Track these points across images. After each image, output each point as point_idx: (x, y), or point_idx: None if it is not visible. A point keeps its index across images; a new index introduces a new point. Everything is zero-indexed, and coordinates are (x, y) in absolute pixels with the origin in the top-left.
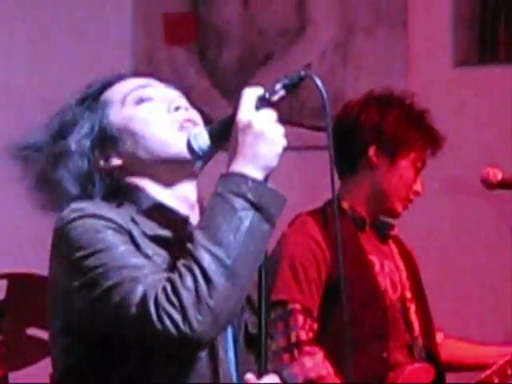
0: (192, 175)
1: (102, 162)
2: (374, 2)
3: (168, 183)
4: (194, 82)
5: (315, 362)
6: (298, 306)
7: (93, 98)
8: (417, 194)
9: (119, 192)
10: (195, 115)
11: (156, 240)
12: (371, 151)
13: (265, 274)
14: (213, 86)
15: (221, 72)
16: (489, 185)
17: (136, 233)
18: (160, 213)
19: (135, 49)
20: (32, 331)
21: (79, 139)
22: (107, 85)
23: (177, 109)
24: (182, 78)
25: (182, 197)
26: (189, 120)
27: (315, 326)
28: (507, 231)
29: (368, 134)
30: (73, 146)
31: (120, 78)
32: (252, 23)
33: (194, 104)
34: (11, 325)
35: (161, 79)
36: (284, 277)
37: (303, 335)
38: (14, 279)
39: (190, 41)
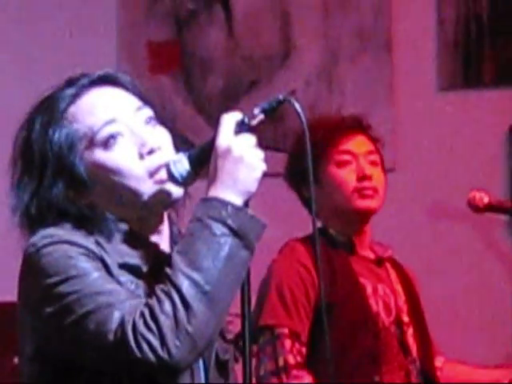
0: (162, 210)
1: (71, 195)
2: (358, 28)
3: (138, 220)
4: (179, 109)
5: None
6: (285, 331)
7: (57, 118)
8: (365, 178)
9: (86, 220)
10: (163, 135)
11: (126, 268)
12: (303, 189)
13: (247, 299)
14: (198, 113)
15: (205, 99)
16: (476, 209)
17: (107, 259)
18: (129, 241)
19: None
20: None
21: (49, 172)
22: (72, 99)
23: (149, 153)
24: (167, 105)
25: (150, 227)
26: (159, 168)
27: (303, 350)
28: (495, 255)
29: (297, 175)
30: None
31: (82, 87)
32: (236, 50)
33: (164, 117)
34: None
35: (122, 82)
36: (272, 302)
37: (291, 359)
38: None
39: (174, 69)
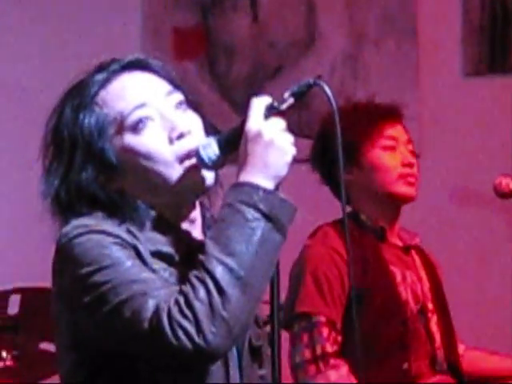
0: (195, 198)
1: (101, 180)
2: (384, 13)
3: (169, 207)
4: (204, 95)
5: (340, 374)
6: (322, 319)
7: (87, 103)
8: (409, 165)
9: (117, 207)
10: (194, 119)
11: (158, 256)
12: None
13: (276, 284)
14: (223, 99)
15: (230, 85)
16: (501, 194)
17: (140, 247)
18: (160, 229)
19: None
20: (45, 346)
21: (79, 157)
22: (103, 84)
23: (179, 137)
24: (192, 91)
25: (181, 214)
26: (189, 152)
27: (339, 338)
28: None
29: (329, 158)
30: (76, 161)
31: (113, 72)
32: (261, 36)
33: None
34: (24, 339)
35: (152, 67)
36: (307, 289)
37: (329, 348)
38: (27, 293)
39: (199, 55)
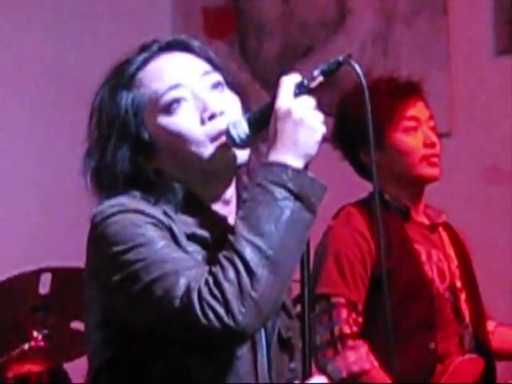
0: (229, 178)
1: (139, 160)
2: None
3: (203, 186)
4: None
5: (359, 355)
6: (342, 300)
7: (125, 83)
8: (431, 145)
9: (153, 188)
10: (230, 100)
11: (193, 239)
12: (361, 154)
13: (307, 264)
14: (253, 78)
15: (261, 64)
16: None
17: (175, 229)
18: (196, 212)
19: None
20: (76, 325)
21: (115, 136)
22: (142, 64)
23: (211, 118)
24: (234, 72)
25: (217, 196)
26: (220, 133)
27: (360, 319)
28: None
29: (351, 138)
30: (111, 142)
31: (152, 53)
32: (292, 15)
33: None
34: (55, 319)
35: (192, 48)
36: (329, 270)
37: (347, 329)
38: (58, 273)
39: (229, 34)
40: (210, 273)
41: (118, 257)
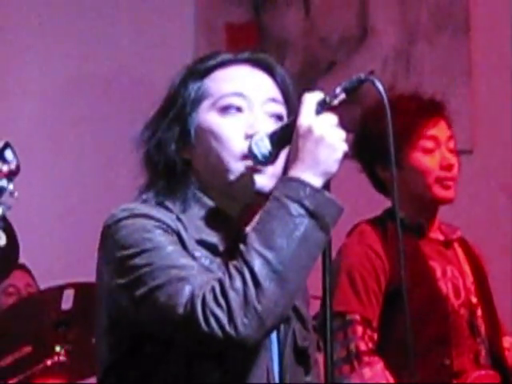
0: (245, 200)
1: (178, 145)
2: (436, 8)
3: (221, 196)
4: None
5: (374, 372)
6: (357, 317)
7: (200, 72)
8: (448, 168)
9: (177, 180)
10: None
11: (203, 244)
12: (378, 169)
13: (329, 283)
14: None
15: None
16: None
17: (184, 234)
18: (211, 219)
19: (197, 58)
20: None
21: (171, 116)
22: (223, 64)
23: (252, 136)
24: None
25: (236, 210)
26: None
27: (375, 336)
28: None
29: (370, 153)
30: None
31: (238, 59)
32: (314, 32)
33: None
34: (78, 334)
35: (276, 73)
36: (343, 287)
37: (362, 346)
38: (80, 288)
39: (251, 49)
40: (217, 280)
41: (126, 261)
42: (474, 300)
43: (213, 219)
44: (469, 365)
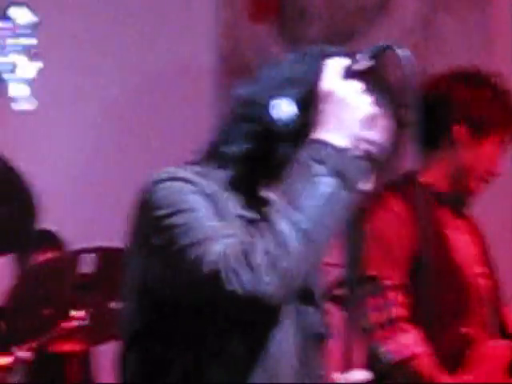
0: None
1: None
2: None
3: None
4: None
5: (410, 339)
6: (389, 283)
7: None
8: (495, 175)
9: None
10: None
11: (241, 218)
12: (458, 129)
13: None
14: None
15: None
16: None
17: (220, 202)
18: (249, 194)
19: (219, 26)
20: (118, 305)
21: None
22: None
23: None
24: (266, 54)
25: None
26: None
27: (407, 301)
28: None
29: (457, 111)
30: None
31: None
32: (335, 0)
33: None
34: (100, 298)
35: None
36: (372, 253)
37: (396, 311)
38: (103, 253)
39: (273, 18)
40: (244, 242)
41: (160, 220)
42: (483, 270)
43: (250, 196)
44: (482, 334)
